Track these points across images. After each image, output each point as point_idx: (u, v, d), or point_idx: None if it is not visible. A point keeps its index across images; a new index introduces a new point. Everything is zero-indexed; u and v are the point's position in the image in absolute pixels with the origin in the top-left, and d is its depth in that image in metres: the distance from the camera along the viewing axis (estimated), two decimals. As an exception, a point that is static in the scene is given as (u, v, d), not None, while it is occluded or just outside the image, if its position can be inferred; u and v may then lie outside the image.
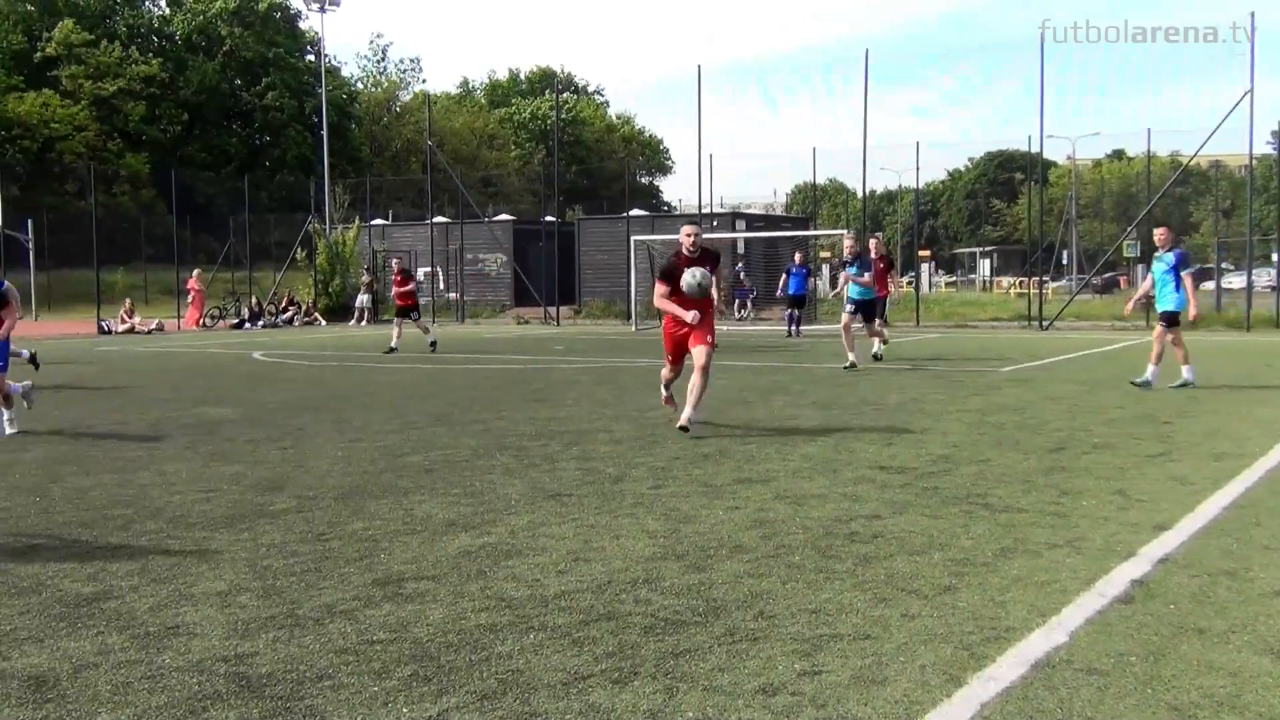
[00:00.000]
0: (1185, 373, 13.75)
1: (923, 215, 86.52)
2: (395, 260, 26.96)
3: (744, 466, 8.49)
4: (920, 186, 43.60)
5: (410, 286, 23.39)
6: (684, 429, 10.14)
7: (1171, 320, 13.78)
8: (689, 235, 10.67)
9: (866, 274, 17.55)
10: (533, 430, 10.70)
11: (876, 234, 26.99)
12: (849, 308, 17.56)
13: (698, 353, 10.38)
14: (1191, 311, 13.71)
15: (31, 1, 70.09)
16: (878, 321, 18.72)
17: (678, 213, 53.29)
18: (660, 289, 10.60)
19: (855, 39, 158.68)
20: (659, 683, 4.08)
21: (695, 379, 10.35)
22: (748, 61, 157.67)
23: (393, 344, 22.41)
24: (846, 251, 18.34)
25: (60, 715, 3.86)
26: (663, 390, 11.43)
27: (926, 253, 72.34)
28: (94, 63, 66.25)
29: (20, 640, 4.63)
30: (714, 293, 10.71)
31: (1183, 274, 13.63)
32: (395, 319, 23.41)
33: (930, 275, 70.29)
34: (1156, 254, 14.13)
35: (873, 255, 19.05)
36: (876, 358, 18.31)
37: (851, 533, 6.34)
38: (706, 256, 10.67)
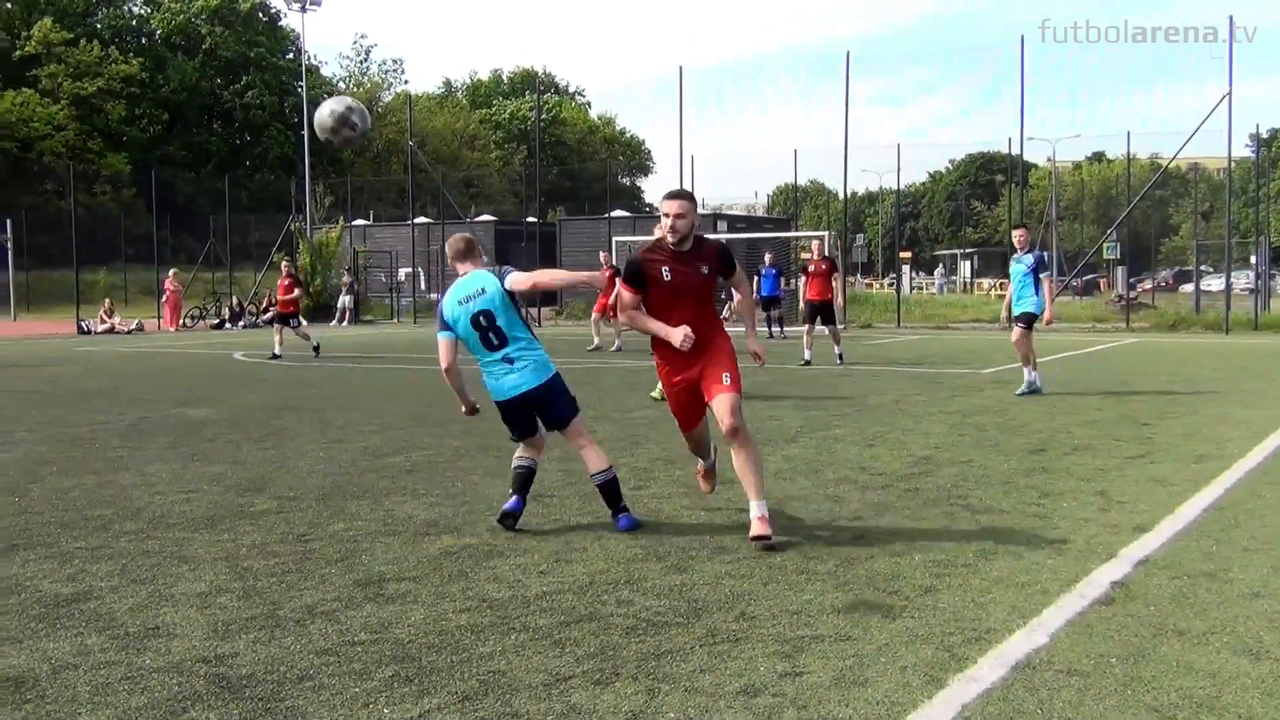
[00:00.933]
0: (1027, 374, 13.62)
1: (904, 217, 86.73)
2: (286, 263, 23.81)
3: (725, 468, 8.43)
4: (901, 188, 43.59)
5: (296, 294, 22.25)
6: (764, 540, 6.01)
7: (1029, 322, 13.69)
8: (670, 215, 6.23)
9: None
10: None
11: (819, 235, 26.59)
12: None
13: (721, 406, 6.33)
14: (1047, 314, 13.79)
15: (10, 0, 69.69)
16: (828, 328, 18.78)
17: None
18: (625, 296, 6.44)
19: (837, 40, 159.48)
20: (640, 684, 4.08)
21: (737, 456, 6.35)
22: (730, 62, 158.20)
23: (276, 351, 21.47)
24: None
25: (39, 716, 3.83)
26: (700, 462, 7.10)
27: (908, 254, 72.48)
28: (73, 62, 65.78)
29: (-2, 642, 4.61)
30: (737, 299, 7.01)
31: (1041, 276, 13.67)
32: (276, 324, 22.22)
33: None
34: (1015, 256, 14.07)
35: (815, 257, 19.10)
36: (840, 359, 18.42)
37: (833, 534, 6.36)
38: (704, 253, 6.38)
